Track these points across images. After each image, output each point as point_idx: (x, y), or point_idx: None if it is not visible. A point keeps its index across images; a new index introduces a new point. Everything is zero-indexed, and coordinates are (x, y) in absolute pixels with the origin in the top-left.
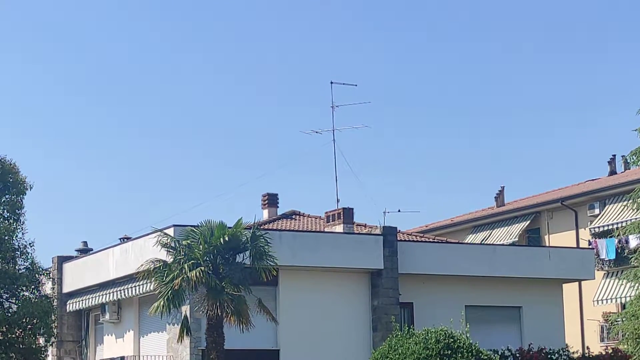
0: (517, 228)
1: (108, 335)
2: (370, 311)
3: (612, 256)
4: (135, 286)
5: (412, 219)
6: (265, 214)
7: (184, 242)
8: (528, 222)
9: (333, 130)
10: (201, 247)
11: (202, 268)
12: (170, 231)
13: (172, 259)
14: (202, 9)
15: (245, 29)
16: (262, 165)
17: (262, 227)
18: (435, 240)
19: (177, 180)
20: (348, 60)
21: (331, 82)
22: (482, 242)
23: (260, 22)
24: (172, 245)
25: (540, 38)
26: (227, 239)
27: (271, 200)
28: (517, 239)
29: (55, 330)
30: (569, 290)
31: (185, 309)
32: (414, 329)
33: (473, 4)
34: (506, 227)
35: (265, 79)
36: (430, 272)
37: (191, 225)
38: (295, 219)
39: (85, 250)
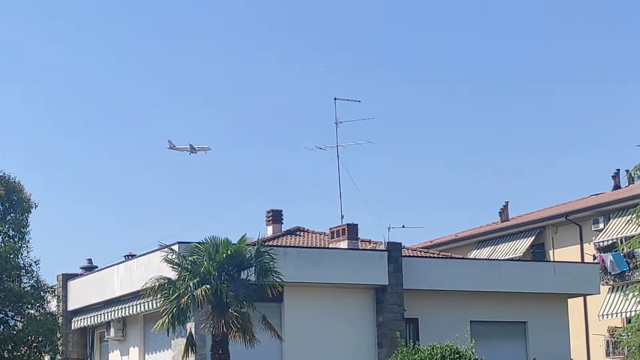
0: (522, 243)
1: (113, 352)
2: (376, 327)
3: (617, 270)
4: (140, 303)
5: (416, 234)
6: (269, 230)
7: (188, 259)
8: (533, 237)
9: (337, 147)
10: (206, 263)
11: (208, 286)
12: (175, 248)
13: (177, 276)
14: (199, 29)
15: (249, 46)
16: (267, 182)
17: (266, 244)
18: (439, 256)
19: (182, 197)
20: (352, 77)
21: (335, 99)
22: (487, 258)
23: (264, 39)
24: (177, 262)
25: (550, 54)
26: (231, 255)
27: (275, 217)
28: (521, 254)
29: (60, 348)
30: (574, 305)
31: (190, 326)
32: (419, 345)
33: (476, 23)
34: (511, 242)
35: (269, 95)
36: (435, 287)
37: (196, 242)
38: (300, 235)
39: (90, 268)
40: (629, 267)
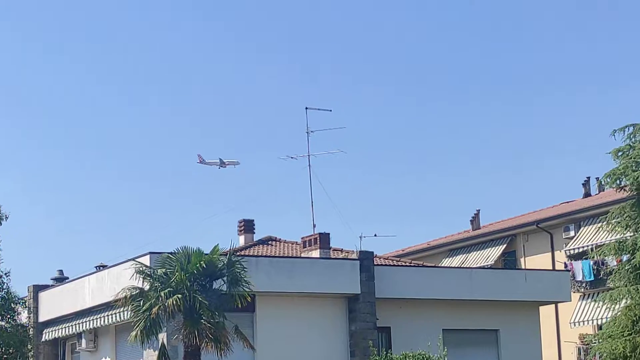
0: (493, 251)
1: None
2: (348, 336)
3: (587, 278)
4: (111, 314)
5: (388, 243)
6: (241, 240)
7: (160, 270)
8: (504, 245)
9: (308, 156)
10: (178, 274)
11: (179, 295)
12: (147, 258)
13: (148, 287)
14: (172, 38)
15: (220, 55)
16: (239, 191)
17: (238, 253)
18: (411, 264)
19: (153, 208)
20: (323, 86)
21: (306, 108)
22: (459, 266)
23: (235, 48)
24: (149, 272)
25: (521, 63)
26: (203, 265)
27: (247, 226)
28: (493, 262)
29: None
30: (546, 313)
31: (162, 337)
32: (391, 354)
33: (448, 33)
34: (482, 251)
35: (240, 105)
36: (407, 296)
37: (167, 252)
38: (272, 245)
39: (61, 279)
40: (594, 276)
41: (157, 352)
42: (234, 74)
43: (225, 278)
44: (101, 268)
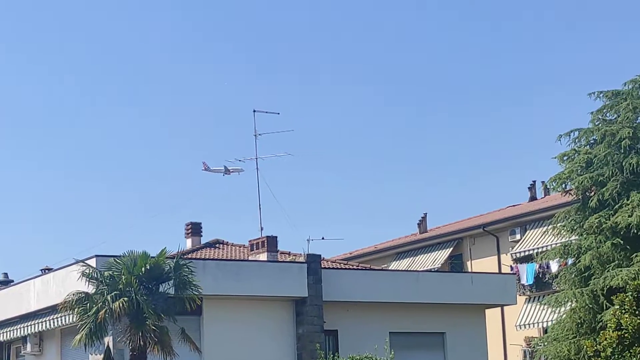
0: (440, 254)
1: None
2: (295, 339)
3: (531, 281)
4: (57, 318)
5: (335, 246)
6: (188, 243)
7: (106, 273)
8: (451, 248)
9: (256, 159)
10: (124, 277)
11: (125, 298)
12: (93, 262)
13: (94, 290)
14: (121, 39)
15: (169, 58)
16: (186, 194)
17: (185, 257)
18: (359, 268)
19: (100, 210)
20: (271, 89)
21: (254, 111)
22: (406, 269)
23: (183, 51)
24: (95, 276)
25: (468, 70)
26: (150, 268)
27: (194, 229)
28: (440, 265)
29: None
30: (492, 316)
31: (108, 340)
32: (338, 357)
33: (397, 35)
34: (429, 254)
35: (188, 107)
36: (354, 299)
37: (114, 256)
38: (219, 248)
39: (5, 282)
40: (536, 280)
41: (102, 356)
42: (181, 74)
43: (172, 281)
44: (47, 271)
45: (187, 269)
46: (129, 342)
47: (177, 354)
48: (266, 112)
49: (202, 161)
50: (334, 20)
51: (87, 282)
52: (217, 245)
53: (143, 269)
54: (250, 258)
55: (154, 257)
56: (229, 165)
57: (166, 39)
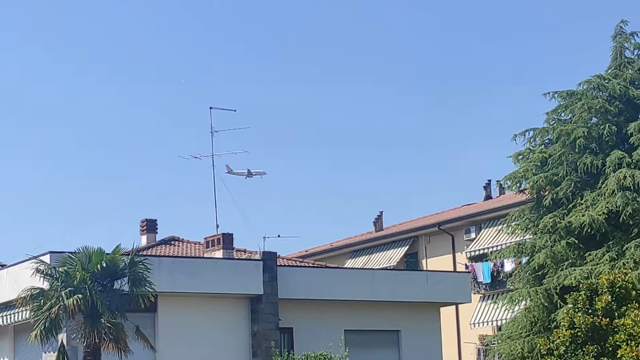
0: (396, 252)
1: None
2: (250, 337)
3: (487, 280)
4: (10, 314)
5: (291, 244)
6: (143, 240)
7: (60, 269)
8: (406, 246)
9: (212, 156)
10: (78, 274)
11: (80, 295)
12: (47, 258)
13: (48, 286)
14: (75, 32)
15: (124, 54)
16: (141, 191)
17: (140, 253)
18: (314, 265)
19: (54, 206)
20: (227, 86)
21: (210, 108)
22: (362, 267)
23: (139, 46)
24: (49, 272)
25: (421, 65)
26: (105, 265)
27: (150, 226)
28: (395, 264)
29: None
30: (447, 314)
31: (62, 337)
32: (293, 354)
33: (354, 33)
34: (385, 252)
35: (143, 103)
36: (309, 297)
37: (68, 252)
38: (175, 245)
39: None
40: (491, 279)
41: (56, 352)
42: (138, 72)
43: (126, 278)
44: (0, 267)
45: (142, 266)
46: (83, 339)
47: (132, 351)
48: (223, 109)
49: (226, 164)
50: (290, 16)
51: (41, 279)
52: (172, 242)
53: (98, 265)
54: (205, 255)
55: (109, 254)
56: (253, 168)
57: (125, 34)
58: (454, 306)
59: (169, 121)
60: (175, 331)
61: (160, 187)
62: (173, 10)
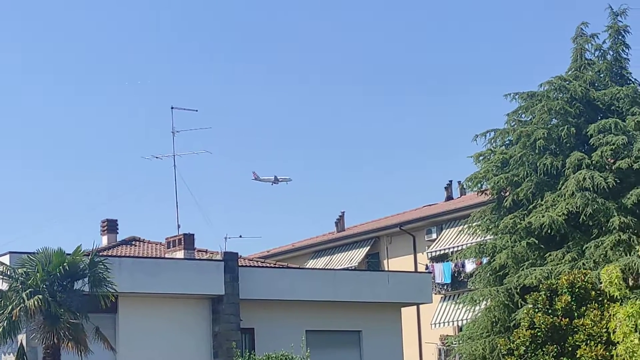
0: (357, 253)
1: None
2: (211, 337)
3: (448, 280)
4: None
5: (253, 244)
6: (104, 240)
7: (20, 270)
8: (368, 247)
9: (174, 156)
10: (38, 274)
11: (40, 296)
12: (6, 258)
13: (8, 287)
14: (36, 32)
15: (85, 54)
16: (102, 191)
17: (101, 254)
18: (276, 266)
19: (14, 206)
20: (188, 86)
21: (172, 107)
22: (323, 267)
23: (101, 45)
24: (8, 273)
25: (382, 65)
26: (65, 266)
27: (110, 226)
28: (357, 264)
29: None
30: (408, 314)
31: (22, 338)
32: (255, 355)
33: (318, 34)
34: (347, 252)
35: (105, 104)
36: (271, 297)
37: (28, 253)
38: (135, 245)
39: None
40: (452, 279)
41: (15, 354)
42: (100, 72)
43: (87, 279)
44: None
45: (102, 267)
46: (43, 340)
47: (92, 351)
48: (184, 109)
49: (252, 171)
50: (248, 18)
51: (0, 280)
52: (133, 243)
53: (58, 266)
54: (167, 256)
55: (69, 255)
56: (279, 174)
57: (87, 33)
58: (415, 306)
59: (130, 122)
60: (135, 332)
61: (121, 188)
62: (135, 10)
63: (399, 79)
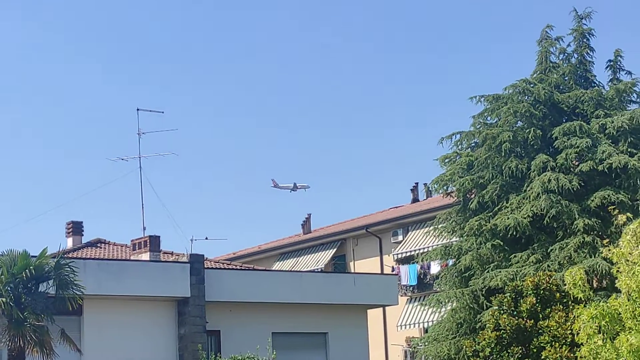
0: (324, 255)
1: None
2: (177, 340)
3: (414, 282)
4: None
5: (219, 246)
6: (69, 242)
7: None
8: (334, 249)
9: (139, 158)
10: (3, 277)
11: (4, 299)
12: None
13: None
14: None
15: (49, 51)
16: (67, 193)
17: (66, 256)
18: (242, 268)
19: None
20: (154, 88)
21: (137, 109)
22: (290, 269)
23: (67, 47)
24: None
25: (347, 69)
26: (31, 268)
27: (76, 228)
28: (323, 266)
29: None
30: (374, 316)
31: None
32: (221, 357)
33: (275, 40)
34: (313, 254)
35: (70, 105)
36: (237, 299)
37: None
38: (101, 247)
39: None
40: (418, 281)
41: None
42: (64, 73)
43: (52, 281)
44: None
45: (68, 269)
46: (8, 343)
47: (57, 354)
48: (150, 111)
49: (271, 178)
50: (216, 19)
51: None
52: (98, 245)
53: (22, 268)
54: (132, 258)
55: (34, 257)
56: (298, 182)
57: (48, 38)
58: (381, 308)
59: (96, 123)
60: (101, 334)
61: (86, 190)
62: (103, 9)
63: (362, 81)
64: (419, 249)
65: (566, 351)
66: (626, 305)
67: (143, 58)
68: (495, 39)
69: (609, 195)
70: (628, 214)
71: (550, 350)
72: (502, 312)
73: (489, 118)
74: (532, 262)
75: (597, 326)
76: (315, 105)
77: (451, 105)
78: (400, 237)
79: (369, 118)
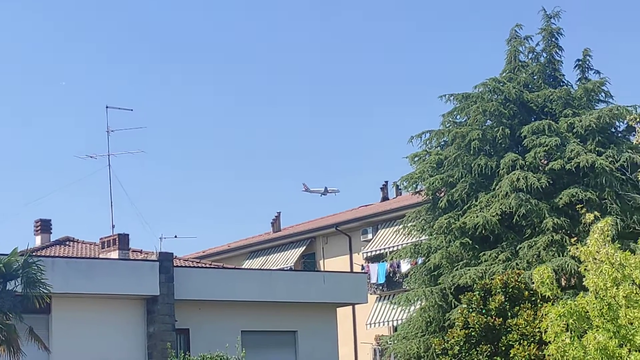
0: (293, 253)
1: None
2: (146, 338)
3: (382, 280)
4: None
5: (188, 244)
6: (37, 240)
7: None
8: (304, 247)
9: (108, 155)
10: None
11: None
12: None
13: None
14: None
15: (22, 47)
16: (35, 190)
17: (34, 254)
18: (211, 266)
19: None
20: (123, 85)
21: (106, 107)
22: (259, 268)
23: (38, 45)
24: None
25: (320, 67)
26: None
27: (44, 226)
28: (293, 264)
29: None
30: (344, 314)
31: None
32: (190, 355)
33: (252, 41)
34: (283, 253)
35: (37, 102)
36: (206, 297)
37: None
38: (69, 245)
39: None
40: (387, 279)
41: None
42: (33, 72)
43: (20, 279)
44: None
45: (35, 267)
46: None
47: (25, 353)
48: (119, 109)
49: (303, 182)
50: (185, 16)
51: None
52: (67, 243)
53: None
54: (101, 256)
55: (4, 255)
56: (329, 186)
57: (23, 31)
58: (350, 306)
59: (64, 120)
60: (69, 332)
61: (55, 187)
62: (69, 10)
63: (333, 80)
64: (389, 248)
65: (534, 349)
66: (594, 304)
67: (114, 55)
68: (464, 38)
69: (577, 194)
70: (596, 212)
71: (518, 348)
72: (471, 310)
73: (458, 117)
74: (501, 260)
75: (564, 324)
76: (283, 104)
77: (421, 104)
78: (369, 236)
79: (338, 117)
